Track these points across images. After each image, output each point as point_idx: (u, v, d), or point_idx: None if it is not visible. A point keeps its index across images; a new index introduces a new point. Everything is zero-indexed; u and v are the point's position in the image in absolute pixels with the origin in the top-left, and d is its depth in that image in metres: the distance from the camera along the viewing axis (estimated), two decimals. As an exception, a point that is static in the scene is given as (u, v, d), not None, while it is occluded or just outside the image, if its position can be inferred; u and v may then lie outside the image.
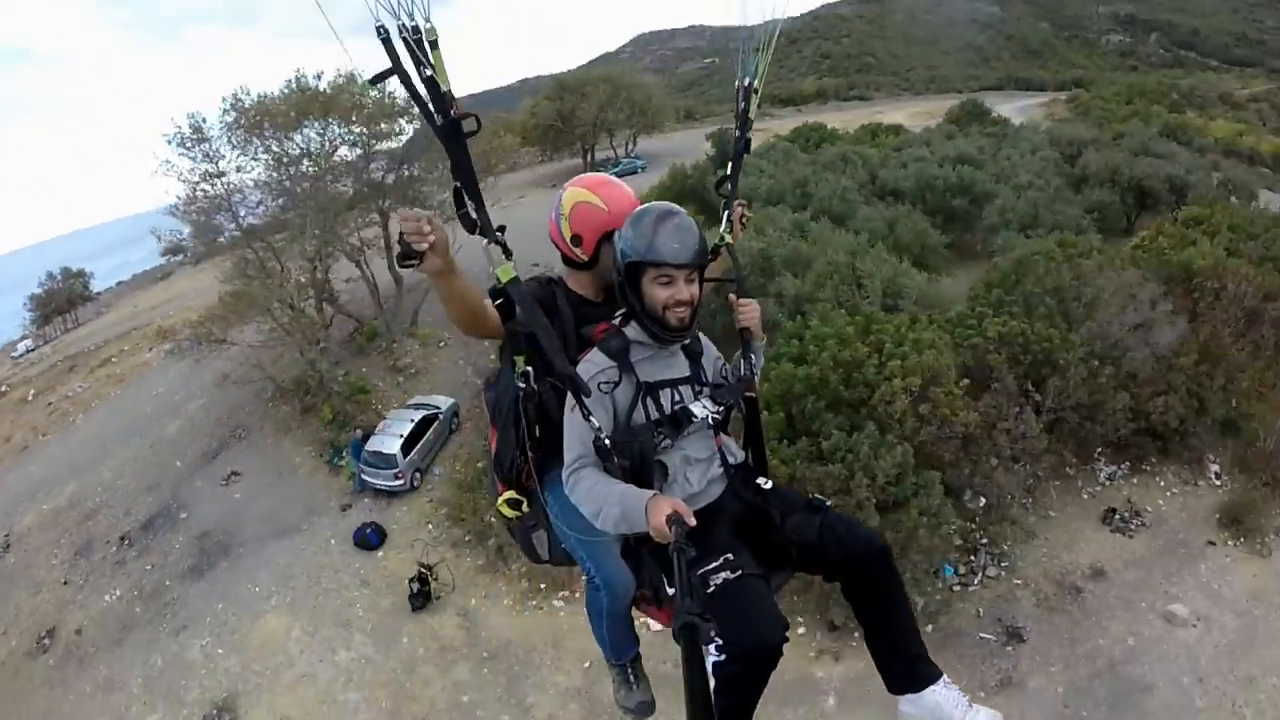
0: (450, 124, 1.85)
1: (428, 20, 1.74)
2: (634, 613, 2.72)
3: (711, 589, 1.94)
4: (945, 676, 2.12)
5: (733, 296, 2.48)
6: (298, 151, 18.90)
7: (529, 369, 2.15)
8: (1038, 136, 29.43)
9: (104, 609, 13.58)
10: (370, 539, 13.62)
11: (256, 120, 18.37)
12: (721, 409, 2.32)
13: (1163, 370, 12.64)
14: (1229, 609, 10.86)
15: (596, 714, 10.53)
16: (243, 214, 19.03)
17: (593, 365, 2.17)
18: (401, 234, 1.81)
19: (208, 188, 18.31)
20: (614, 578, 2.50)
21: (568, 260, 2.41)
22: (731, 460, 2.37)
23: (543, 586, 12.44)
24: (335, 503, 15.16)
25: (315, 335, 17.71)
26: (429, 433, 15.57)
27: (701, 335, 2.39)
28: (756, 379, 2.47)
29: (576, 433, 2.12)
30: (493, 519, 12.44)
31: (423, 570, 12.43)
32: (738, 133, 2.68)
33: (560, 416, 2.17)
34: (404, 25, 1.73)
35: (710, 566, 1.99)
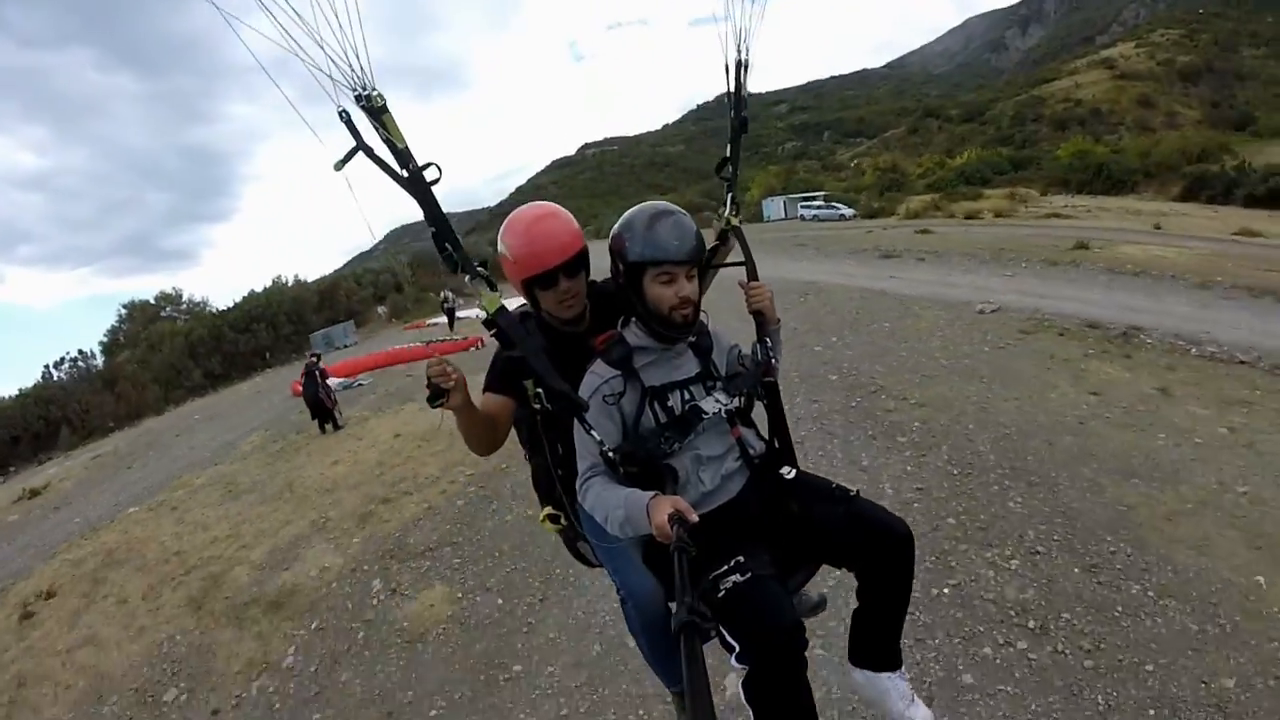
0: (413, 176, 1.92)
1: (374, 89, 1.85)
2: None
3: (722, 593, 1.87)
4: (903, 669, 2.12)
5: (742, 281, 2.39)
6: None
7: (539, 390, 2.17)
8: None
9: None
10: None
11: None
12: (736, 400, 2.21)
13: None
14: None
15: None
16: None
17: (597, 377, 2.11)
18: (430, 378, 1.97)
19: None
20: (638, 586, 2.45)
21: None
22: (751, 451, 2.23)
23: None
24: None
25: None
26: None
27: (712, 329, 2.30)
28: (775, 364, 2.35)
29: (585, 446, 2.11)
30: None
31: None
32: (732, 112, 2.48)
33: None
34: (360, 95, 1.83)
35: (721, 570, 1.91)
